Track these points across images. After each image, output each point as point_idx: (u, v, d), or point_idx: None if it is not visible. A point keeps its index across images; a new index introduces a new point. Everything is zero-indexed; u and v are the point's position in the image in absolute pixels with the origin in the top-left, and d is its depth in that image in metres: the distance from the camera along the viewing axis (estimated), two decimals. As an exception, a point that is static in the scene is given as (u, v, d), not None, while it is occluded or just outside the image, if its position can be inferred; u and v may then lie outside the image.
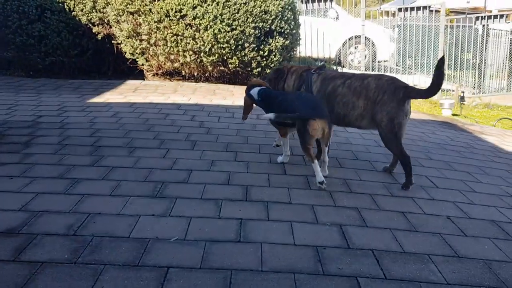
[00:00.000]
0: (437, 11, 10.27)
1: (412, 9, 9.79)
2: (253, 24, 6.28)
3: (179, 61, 6.37)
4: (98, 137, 3.72)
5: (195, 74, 6.68)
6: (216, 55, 6.27)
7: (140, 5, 6.20)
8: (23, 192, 2.59)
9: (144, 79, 6.92)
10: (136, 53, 6.55)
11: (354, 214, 2.57)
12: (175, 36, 6.18)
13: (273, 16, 6.48)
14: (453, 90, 9.89)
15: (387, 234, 2.35)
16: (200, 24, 6.11)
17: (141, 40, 6.41)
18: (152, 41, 6.32)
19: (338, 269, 1.98)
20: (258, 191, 2.80)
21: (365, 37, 10.27)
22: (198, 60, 6.34)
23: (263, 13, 6.38)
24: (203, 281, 1.85)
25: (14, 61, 7.00)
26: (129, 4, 6.26)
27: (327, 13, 10.69)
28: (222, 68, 6.56)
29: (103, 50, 7.16)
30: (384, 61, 11.21)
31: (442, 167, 3.68)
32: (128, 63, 6.89)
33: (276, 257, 2.05)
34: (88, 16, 6.78)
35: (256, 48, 6.45)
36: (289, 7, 6.87)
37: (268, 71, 6.63)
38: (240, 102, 3.43)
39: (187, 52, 6.23)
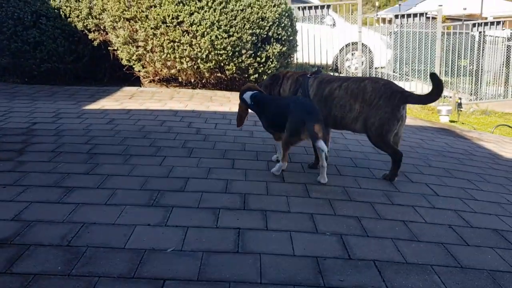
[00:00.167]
0: (434, 18, 10.29)
1: (409, 15, 9.81)
2: (250, 31, 6.26)
3: (176, 67, 6.33)
4: (93, 144, 3.67)
5: (192, 80, 6.64)
6: (213, 61, 6.23)
7: (137, 12, 6.17)
8: (16, 201, 2.53)
9: (140, 86, 6.88)
10: (133, 59, 6.50)
11: (355, 223, 2.52)
12: (172, 43, 6.14)
13: (270, 23, 6.46)
14: (450, 97, 9.89)
15: (389, 243, 2.30)
16: (197, 30, 6.07)
17: (137, 47, 6.37)
18: (148, 48, 6.28)
19: (339, 281, 1.93)
20: (256, 199, 2.75)
21: (362, 44, 10.27)
22: (195, 66, 6.30)
23: (260, 19, 6.36)
24: (200, 293, 1.79)
25: (9, 67, 6.93)
26: (126, 11, 6.23)
27: (324, 20, 10.69)
28: (219, 74, 6.53)
29: (99, 57, 7.12)
30: (381, 67, 11.22)
31: (442, 174, 3.64)
32: (124, 69, 6.85)
33: (276, 268, 1.99)
34: (84, 23, 6.75)
35: (253, 54, 6.42)
36: (286, 14, 6.86)
37: (265, 77, 6.61)
38: (237, 108, 3.39)
39: (184, 58, 6.19)
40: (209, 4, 6.11)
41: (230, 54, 6.24)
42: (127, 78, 7.01)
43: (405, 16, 9.87)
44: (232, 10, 6.18)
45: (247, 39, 6.25)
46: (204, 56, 6.15)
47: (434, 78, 2.99)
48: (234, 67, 6.35)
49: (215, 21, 6.08)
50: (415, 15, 9.75)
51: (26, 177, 2.89)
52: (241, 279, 1.89)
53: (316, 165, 3.35)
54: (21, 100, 5.34)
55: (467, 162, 4.19)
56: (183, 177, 3.02)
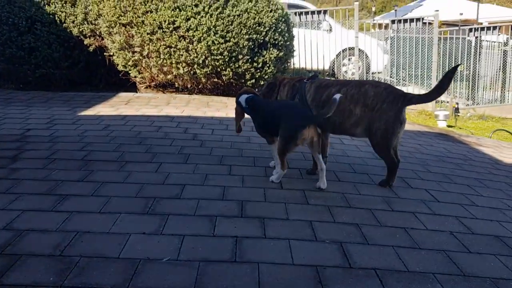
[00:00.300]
0: (430, 24, 10.30)
1: (405, 21, 9.81)
2: (247, 36, 6.23)
3: (172, 73, 6.29)
4: (88, 151, 3.61)
5: (189, 86, 6.60)
6: (210, 67, 6.19)
7: (133, 17, 6.13)
8: (8, 210, 2.47)
9: (136, 92, 6.83)
10: (129, 65, 6.46)
11: (354, 230, 2.47)
12: (168, 48, 6.11)
13: (267, 28, 6.43)
14: (447, 102, 9.89)
15: (390, 251, 2.25)
16: (193, 36, 6.04)
17: (133, 52, 6.33)
18: (144, 53, 6.24)
19: (340, 291, 1.88)
20: (254, 206, 2.69)
21: (359, 49, 10.27)
22: (192, 72, 6.26)
23: (257, 25, 6.33)
24: (197, 305, 1.74)
25: (4, 73, 6.88)
26: (121, 16, 6.19)
27: (321, 25, 10.70)
28: (215, 80, 6.49)
29: (95, 62, 7.09)
30: (378, 72, 11.22)
31: (441, 180, 3.60)
32: (120, 75, 6.81)
33: (274, 278, 1.94)
34: (79, 28, 6.71)
35: (250, 59, 6.39)
36: (283, 19, 6.84)
37: (262, 82, 6.59)
38: (234, 113, 3.35)
39: (181, 64, 6.16)
40: (206, 9, 6.08)
41: (226, 60, 6.21)
42: (123, 84, 6.96)
43: (402, 21, 9.88)
44: (228, 16, 6.16)
45: (244, 44, 6.23)
46: (200, 62, 6.11)
47: (445, 77, 2.90)
48: (230, 73, 6.31)
49: (211, 27, 6.05)
50: (411, 20, 9.76)
51: (19, 185, 2.83)
52: (239, 290, 1.84)
53: (314, 170, 3.30)
54: (15, 106, 5.28)
55: (466, 167, 4.16)
56: (179, 184, 2.97)
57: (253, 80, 6.48)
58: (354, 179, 3.37)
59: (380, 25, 11.97)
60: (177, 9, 6.06)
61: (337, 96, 2.81)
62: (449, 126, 8.39)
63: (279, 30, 6.62)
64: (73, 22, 6.73)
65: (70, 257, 2.02)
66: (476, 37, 10.12)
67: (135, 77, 6.64)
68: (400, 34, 10.28)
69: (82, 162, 3.33)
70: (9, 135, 3.99)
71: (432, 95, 2.99)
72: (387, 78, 10.87)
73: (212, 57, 6.12)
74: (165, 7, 6.04)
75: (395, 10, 21.39)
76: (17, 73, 6.75)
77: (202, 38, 6.03)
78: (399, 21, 9.94)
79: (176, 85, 6.64)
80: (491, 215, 2.92)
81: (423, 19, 9.93)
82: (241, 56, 6.28)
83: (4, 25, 6.50)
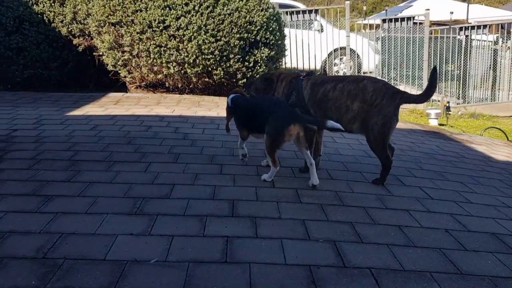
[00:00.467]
0: (421, 23, 10.31)
1: (396, 20, 9.81)
2: (238, 35, 6.17)
3: (163, 72, 6.21)
4: (75, 151, 3.52)
5: (179, 86, 6.52)
6: (201, 66, 6.12)
7: (122, 16, 6.05)
8: (-10, 211, 2.38)
9: (126, 92, 6.73)
10: (118, 65, 6.37)
11: (348, 229, 2.41)
12: (158, 47, 6.03)
13: (258, 27, 6.38)
14: (438, 100, 9.89)
15: (385, 250, 2.20)
16: (184, 35, 5.97)
17: (123, 52, 6.24)
18: (134, 53, 6.15)
19: (334, 291, 1.82)
20: (246, 205, 2.63)
21: (350, 49, 10.25)
22: (182, 71, 6.19)
23: (248, 24, 6.27)
24: (186, 307, 1.67)
25: (-9, 74, 6.76)
26: (111, 15, 6.10)
27: (312, 25, 10.66)
28: (206, 79, 6.42)
29: (84, 63, 6.99)
30: (369, 72, 11.21)
31: (434, 177, 3.56)
32: (110, 75, 6.71)
33: (266, 278, 1.87)
34: (68, 28, 6.61)
35: (241, 59, 6.33)
36: (274, 18, 6.78)
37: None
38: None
39: (171, 63, 6.08)
40: (196, 8, 6.01)
41: (217, 59, 6.14)
42: (113, 84, 6.86)
43: (393, 20, 9.87)
44: (219, 14, 6.09)
45: (235, 43, 6.16)
46: (191, 61, 6.04)
47: (432, 77, 2.99)
48: (222, 72, 6.25)
49: (202, 26, 5.99)
50: (402, 19, 9.75)
51: (3, 186, 2.74)
52: (230, 291, 1.77)
53: (307, 168, 3.24)
54: (2, 107, 5.17)
55: (459, 164, 4.12)
56: (169, 184, 2.89)
57: (245, 80, 6.41)
58: (347, 177, 3.32)
59: (371, 26, 11.96)
60: (167, 8, 5.99)
61: (335, 124, 2.87)
62: (440, 125, 8.39)
63: (271, 29, 6.57)
64: (62, 21, 6.63)
65: (54, 259, 1.94)
66: (467, 36, 10.14)
67: (125, 77, 6.54)
68: (391, 34, 10.27)
69: (69, 162, 3.25)
70: (-6, 135, 3.89)
71: (426, 96, 3.02)
72: (378, 78, 10.85)
73: (203, 56, 6.05)
74: (155, 6, 5.96)
75: (386, 11, 21.44)
76: (5, 74, 6.63)
77: (192, 37, 5.96)
78: (390, 20, 9.94)
79: (167, 85, 6.55)
80: (486, 212, 2.88)
81: (413, 18, 9.93)
82: (232, 55, 6.22)
83: (-10, 25, 6.38)
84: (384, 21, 10.03)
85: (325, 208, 2.66)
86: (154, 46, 6.00)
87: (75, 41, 6.65)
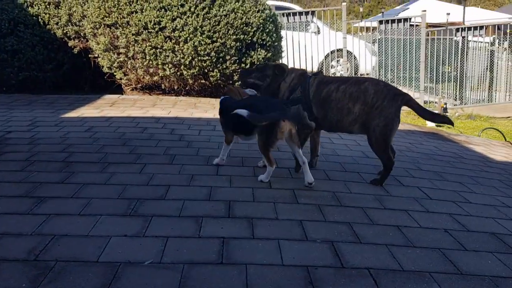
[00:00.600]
0: (417, 25, 10.31)
1: (393, 21, 9.80)
2: (234, 36, 6.14)
3: (159, 74, 6.17)
4: (69, 152, 3.48)
5: (175, 87, 6.48)
6: (197, 68, 6.09)
7: (118, 18, 6.01)
8: (-19, 213, 2.34)
9: (122, 94, 6.69)
10: (114, 67, 6.33)
11: (346, 229, 2.37)
12: (154, 49, 5.99)
13: (255, 28, 6.35)
14: (435, 102, 9.88)
15: (383, 250, 2.16)
16: (179, 36, 5.94)
17: (118, 54, 6.20)
18: (130, 54, 6.12)
19: (332, 292, 1.78)
20: (242, 206, 2.59)
21: (347, 51, 10.23)
22: (178, 73, 6.15)
23: (244, 25, 6.24)
24: (180, 310, 1.63)
25: (-14, 77, 6.70)
26: (106, 17, 6.07)
27: (308, 27, 10.65)
28: (203, 81, 6.38)
29: (79, 65, 6.95)
30: (366, 74, 11.20)
31: (433, 177, 3.53)
32: (105, 77, 6.66)
33: (263, 280, 1.83)
34: (63, 30, 6.58)
35: (237, 60, 6.30)
36: (271, 19, 6.76)
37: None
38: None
39: (167, 65, 6.04)
40: (192, 9, 5.98)
41: (214, 60, 6.11)
42: (109, 86, 6.82)
43: (390, 21, 9.86)
44: (215, 16, 6.06)
45: (231, 44, 6.13)
46: (187, 63, 6.01)
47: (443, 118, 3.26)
48: (218, 74, 6.21)
49: (198, 27, 5.96)
50: (399, 20, 9.75)
51: (-5, 188, 2.70)
52: (226, 293, 1.73)
53: (299, 168, 3.20)
54: (-4, 109, 5.12)
55: (458, 165, 4.10)
56: (164, 185, 2.85)
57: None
58: (345, 177, 3.28)
59: (367, 29, 11.97)
60: (163, 9, 5.96)
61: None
62: (438, 126, 8.36)
63: (267, 30, 6.54)
64: (57, 23, 6.59)
65: (46, 261, 1.89)
66: (463, 37, 10.14)
67: (121, 79, 6.50)
68: (387, 36, 10.27)
69: (62, 163, 3.20)
70: (-12, 137, 3.84)
71: (428, 115, 3.12)
72: (375, 80, 10.83)
73: (199, 57, 6.02)
74: (150, 7, 5.93)
75: (382, 13, 21.48)
76: (0, 76, 6.57)
77: (188, 38, 5.93)
78: (387, 21, 9.93)
79: (163, 87, 6.52)
80: (486, 212, 2.85)
81: (410, 19, 9.93)
82: (229, 56, 6.19)
83: (-15, 27, 6.33)
84: (381, 22, 10.02)
85: (322, 209, 2.63)
86: (150, 47, 5.96)
87: (71, 43, 6.61)
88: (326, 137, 4.36)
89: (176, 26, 5.92)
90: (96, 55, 6.49)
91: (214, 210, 2.51)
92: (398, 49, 10.19)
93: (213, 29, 6.04)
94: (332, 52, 10.80)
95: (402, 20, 9.73)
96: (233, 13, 6.16)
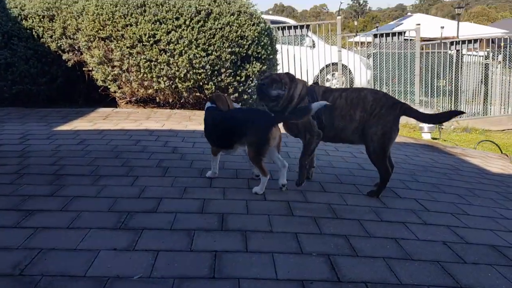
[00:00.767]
0: (412, 40, 10.38)
1: (387, 35, 9.87)
2: (230, 49, 6.13)
3: (153, 87, 6.13)
4: (61, 165, 3.41)
5: (170, 100, 6.43)
6: (192, 80, 6.06)
7: (112, 31, 5.99)
8: (-34, 227, 2.26)
9: (117, 107, 6.64)
10: (108, 80, 6.29)
11: (343, 242, 2.31)
12: (148, 62, 5.96)
13: (250, 41, 6.34)
14: (431, 115, 9.90)
15: (381, 263, 2.10)
16: (174, 49, 5.92)
17: (113, 67, 6.17)
18: (124, 67, 6.08)
19: (328, 307, 1.72)
20: (236, 219, 2.53)
21: (342, 64, 10.28)
22: (173, 86, 6.12)
23: (239, 38, 6.24)
24: (170, 327, 1.55)
25: (-21, 90, 6.64)
26: (101, 30, 6.05)
27: (303, 41, 10.70)
28: (198, 94, 6.34)
29: (73, 78, 6.90)
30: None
31: (430, 189, 3.49)
32: (99, 90, 6.62)
33: (256, 294, 1.77)
34: (57, 43, 6.55)
35: (232, 73, 6.27)
36: (266, 33, 6.76)
37: (245, 96, 6.46)
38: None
39: (161, 78, 6.01)
40: (187, 22, 5.97)
41: (209, 73, 6.08)
42: (103, 99, 6.77)
43: (384, 35, 9.93)
44: (210, 29, 6.06)
45: (226, 57, 6.12)
46: (182, 75, 5.98)
47: (445, 116, 3.26)
48: (213, 86, 6.18)
49: (193, 40, 5.94)
50: (394, 34, 9.82)
51: (-18, 201, 2.63)
52: (217, 308, 1.67)
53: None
54: (-13, 122, 5.06)
55: (454, 177, 4.06)
56: (156, 197, 2.79)
57: (236, 94, 6.35)
58: (340, 189, 3.23)
59: (362, 43, 12.06)
60: (158, 22, 5.95)
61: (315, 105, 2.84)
62: (433, 139, 8.35)
63: (262, 43, 6.54)
64: (51, 37, 6.57)
65: (31, 276, 1.82)
66: (458, 51, 10.21)
67: (115, 92, 6.46)
68: (382, 50, 10.33)
69: (53, 176, 3.13)
70: (-22, 150, 3.78)
71: (428, 118, 3.21)
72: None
73: (194, 70, 5.99)
74: (145, 20, 5.92)
75: (377, 28, 21.70)
76: (-7, 90, 6.52)
77: (183, 51, 5.91)
78: (382, 35, 9.99)
79: (157, 100, 6.47)
80: (484, 224, 2.80)
81: (405, 33, 10.01)
82: (224, 69, 6.17)
83: (-22, 40, 6.30)
84: (375, 36, 10.08)
85: (318, 221, 2.57)
86: (145, 60, 5.94)
87: (65, 56, 6.58)
88: (322, 149, 4.32)
89: (171, 39, 5.90)
90: (90, 68, 6.46)
91: (206, 223, 2.45)
92: (393, 63, 10.24)
93: (208, 42, 6.02)
94: (327, 65, 10.84)
95: (397, 33, 9.80)
96: (228, 26, 6.15)
